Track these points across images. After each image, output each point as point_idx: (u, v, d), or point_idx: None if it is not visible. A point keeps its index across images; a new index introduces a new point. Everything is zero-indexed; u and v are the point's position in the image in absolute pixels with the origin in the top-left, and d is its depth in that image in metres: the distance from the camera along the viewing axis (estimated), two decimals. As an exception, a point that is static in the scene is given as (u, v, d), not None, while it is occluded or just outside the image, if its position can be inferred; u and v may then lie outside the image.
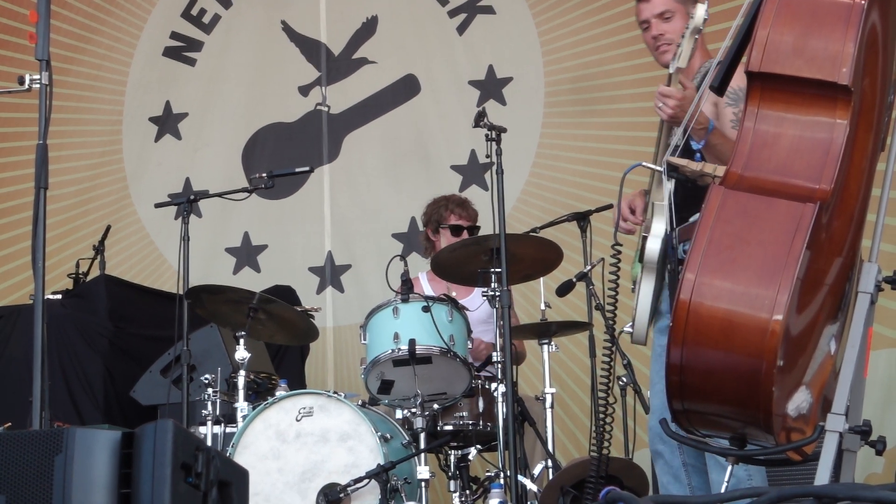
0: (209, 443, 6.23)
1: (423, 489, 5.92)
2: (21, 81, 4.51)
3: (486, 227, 7.12)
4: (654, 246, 4.20)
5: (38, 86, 4.45)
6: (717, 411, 3.76)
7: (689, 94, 4.63)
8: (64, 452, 3.15)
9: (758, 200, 3.71)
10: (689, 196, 4.33)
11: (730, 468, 3.99)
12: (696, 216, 3.78)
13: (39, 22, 4.51)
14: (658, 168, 4.22)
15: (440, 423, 6.19)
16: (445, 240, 7.04)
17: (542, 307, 6.61)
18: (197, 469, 3.28)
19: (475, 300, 6.70)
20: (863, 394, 3.83)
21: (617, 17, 8.52)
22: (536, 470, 6.26)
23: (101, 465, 3.17)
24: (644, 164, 4.36)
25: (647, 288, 4.73)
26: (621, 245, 4.39)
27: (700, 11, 4.34)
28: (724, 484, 3.99)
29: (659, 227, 4.23)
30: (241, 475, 3.60)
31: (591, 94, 8.57)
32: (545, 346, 6.52)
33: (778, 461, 4.14)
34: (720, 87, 4.14)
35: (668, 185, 4.18)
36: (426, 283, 7.18)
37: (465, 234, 7.03)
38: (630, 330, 4.89)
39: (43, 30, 4.50)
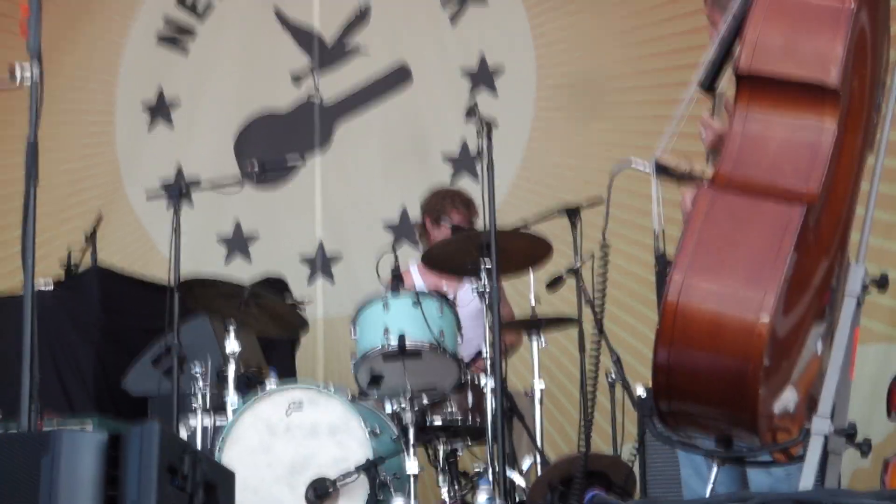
0: (199, 434, 6.24)
1: (412, 483, 5.93)
2: (12, 74, 4.51)
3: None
4: None
5: (28, 83, 4.44)
6: (703, 412, 3.78)
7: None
8: (51, 454, 3.16)
9: (746, 202, 3.73)
10: None
11: (715, 469, 4.01)
12: None
13: (31, 15, 4.51)
14: (647, 168, 4.23)
15: (429, 418, 6.19)
16: (443, 235, 7.02)
17: (532, 302, 6.63)
18: (183, 471, 3.30)
19: (466, 294, 6.71)
20: (848, 396, 3.85)
21: (610, 8, 8.52)
22: (524, 464, 6.28)
23: (87, 466, 3.19)
24: (634, 163, 4.36)
25: None
26: (609, 245, 4.39)
27: None
28: (709, 485, 4.02)
29: None
30: (228, 477, 3.62)
31: (584, 86, 8.56)
32: (534, 341, 6.53)
33: (763, 462, 4.16)
34: (709, 86, 4.16)
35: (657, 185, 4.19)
36: (417, 276, 7.18)
37: (463, 234, 7.01)
38: None
39: (34, 23, 4.49)
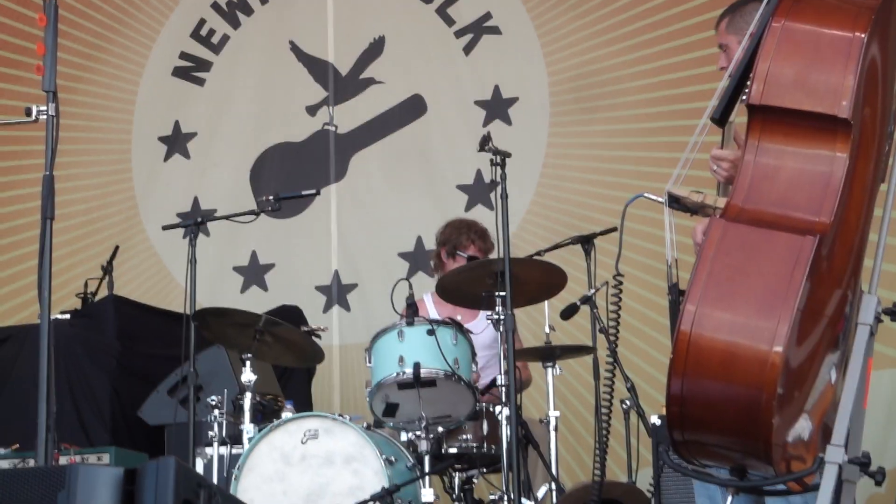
0: (215, 463, 6.26)
1: (428, 512, 5.95)
2: (28, 113, 4.56)
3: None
4: None
5: (45, 117, 4.49)
6: (716, 442, 3.77)
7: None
8: (67, 489, 3.17)
9: (758, 233, 3.73)
10: None
11: (729, 499, 4.01)
12: None
13: (46, 54, 4.55)
14: (659, 199, 4.25)
15: (445, 446, 6.20)
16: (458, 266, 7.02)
17: (547, 330, 6.64)
18: (199, 506, 3.30)
19: (480, 324, 6.72)
20: (862, 424, 3.84)
21: (623, 39, 8.55)
22: (539, 492, 6.28)
23: (103, 502, 3.20)
24: (646, 195, 4.38)
25: None
26: (622, 276, 4.41)
27: None
28: (724, 515, 4.02)
29: None
30: (244, 510, 3.62)
31: (596, 115, 8.60)
32: (549, 369, 6.54)
33: (779, 491, 4.16)
34: (721, 119, 4.17)
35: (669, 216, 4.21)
36: (431, 306, 7.19)
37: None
38: None
39: (50, 62, 4.54)
